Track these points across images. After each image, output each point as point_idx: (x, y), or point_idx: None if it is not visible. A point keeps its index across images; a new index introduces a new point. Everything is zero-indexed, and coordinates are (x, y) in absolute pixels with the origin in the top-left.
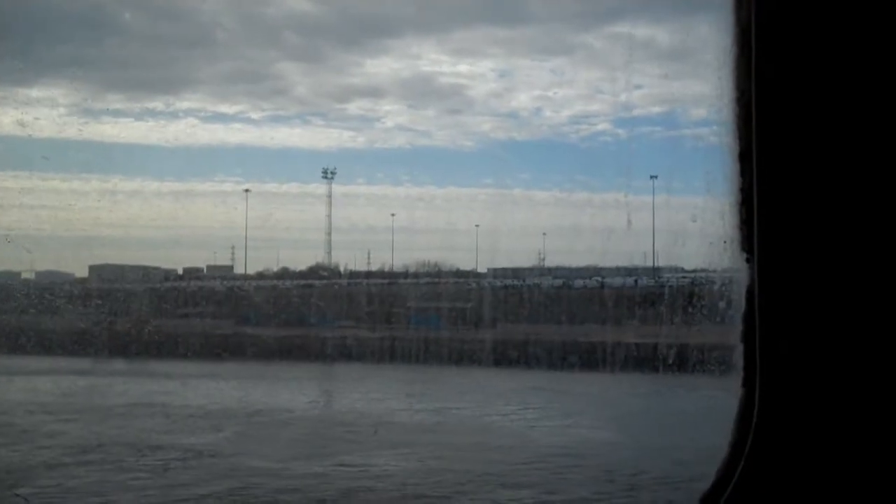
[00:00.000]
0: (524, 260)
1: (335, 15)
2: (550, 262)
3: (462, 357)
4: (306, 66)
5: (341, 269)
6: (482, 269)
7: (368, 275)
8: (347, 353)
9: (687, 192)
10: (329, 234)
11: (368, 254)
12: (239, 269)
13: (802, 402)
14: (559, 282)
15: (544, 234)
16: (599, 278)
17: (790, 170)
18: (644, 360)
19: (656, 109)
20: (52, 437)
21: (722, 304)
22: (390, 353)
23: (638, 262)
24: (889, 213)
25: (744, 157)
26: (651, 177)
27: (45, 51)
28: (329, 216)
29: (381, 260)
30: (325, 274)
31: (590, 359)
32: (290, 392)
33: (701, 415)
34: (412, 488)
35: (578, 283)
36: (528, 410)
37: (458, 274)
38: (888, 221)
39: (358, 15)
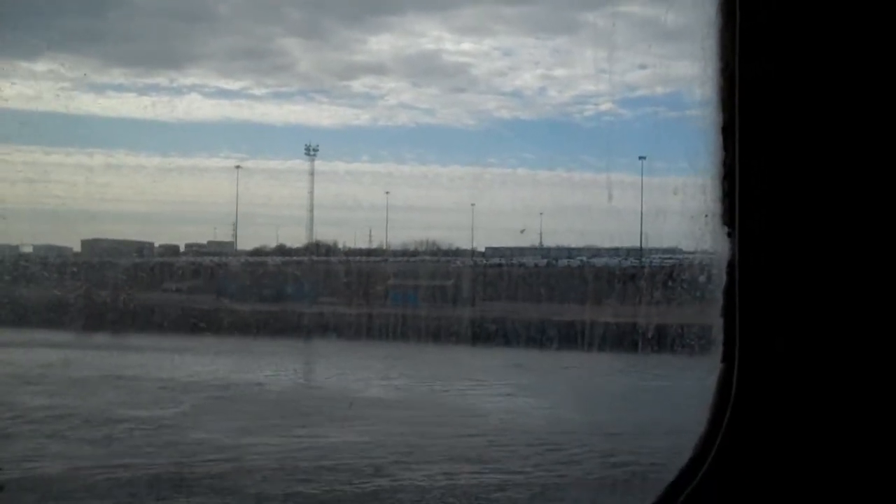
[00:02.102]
0: (524, 239)
1: None
2: (551, 242)
3: (437, 334)
4: (309, 42)
5: (340, 246)
6: (481, 249)
7: (365, 252)
8: (324, 329)
9: (688, 172)
10: (311, 211)
11: (370, 232)
12: (241, 246)
13: (782, 376)
14: (543, 261)
15: (541, 213)
16: (584, 258)
17: (773, 143)
18: (621, 339)
19: (660, 90)
20: (12, 409)
21: (702, 279)
22: (367, 330)
23: (639, 242)
24: (873, 188)
25: (726, 131)
26: (640, 157)
27: (48, 25)
28: (311, 192)
29: (384, 238)
30: (323, 251)
31: (565, 336)
32: (261, 366)
33: (675, 393)
34: (353, 461)
35: (562, 262)
36: (493, 386)
37: (453, 253)
38: (872, 195)
39: None
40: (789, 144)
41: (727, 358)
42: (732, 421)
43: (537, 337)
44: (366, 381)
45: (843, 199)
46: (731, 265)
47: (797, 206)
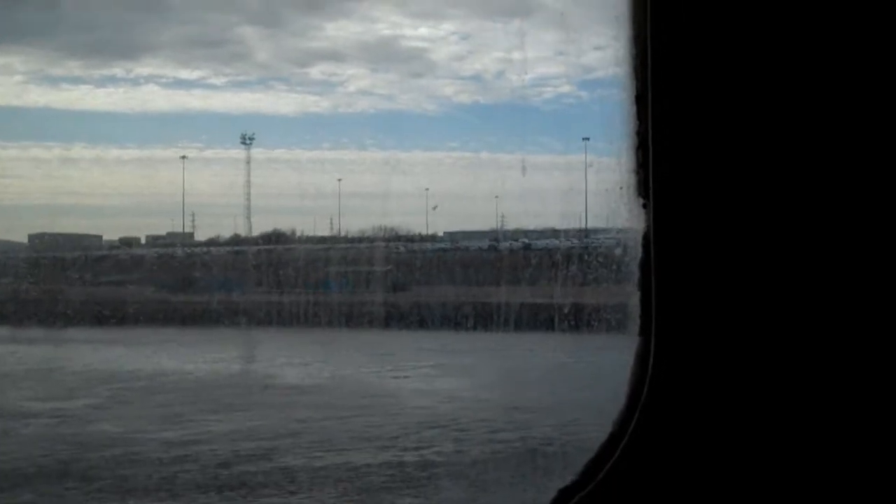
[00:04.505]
0: (485, 223)
1: None
2: (511, 224)
3: (362, 319)
4: (266, 30)
5: (298, 234)
6: (440, 234)
7: (318, 240)
8: (255, 317)
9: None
10: (248, 199)
11: (331, 220)
12: (201, 237)
13: (699, 349)
14: (486, 244)
15: (496, 196)
16: (525, 240)
17: (686, 112)
18: (541, 319)
19: (617, 70)
20: None
21: (618, 252)
22: (298, 317)
23: (597, 223)
24: (786, 156)
25: (640, 100)
26: (583, 139)
27: (0, 17)
28: (248, 182)
29: (348, 225)
30: (279, 239)
31: (488, 319)
32: (186, 356)
33: (592, 369)
34: (242, 445)
35: (504, 245)
36: (409, 368)
37: (408, 238)
38: (785, 163)
39: None
40: (702, 113)
41: (644, 331)
42: (650, 395)
43: (460, 319)
44: (285, 368)
45: (757, 168)
46: (646, 238)
47: (711, 175)
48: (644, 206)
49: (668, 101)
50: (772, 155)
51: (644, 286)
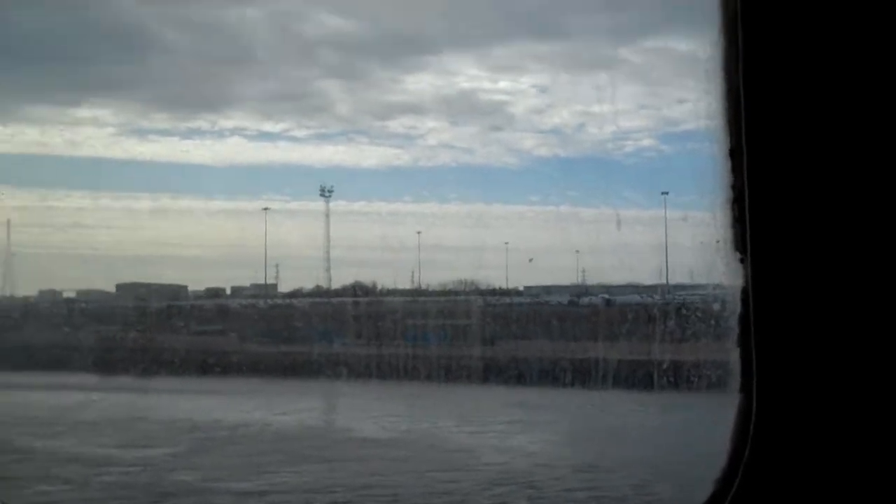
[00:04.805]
0: (566, 277)
1: (372, 32)
2: (593, 279)
3: (455, 373)
4: (347, 83)
5: (379, 287)
6: (520, 287)
7: (400, 293)
8: (338, 370)
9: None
10: (328, 251)
11: (412, 273)
12: (284, 288)
13: (802, 405)
14: (566, 299)
15: (577, 251)
16: (606, 295)
17: (782, 165)
18: (636, 377)
19: (702, 124)
20: (17, 451)
21: (717, 307)
22: (379, 370)
23: (681, 279)
24: (885, 209)
25: (734, 154)
26: (662, 193)
27: (91, 71)
28: (327, 235)
29: (429, 278)
30: (360, 292)
31: (580, 376)
32: (268, 406)
33: (671, 430)
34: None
35: (584, 300)
36: (490, 424)
37: (490, 292)
38: (884, 217)
39: (395, 31)
40: (799, 167)
41: (745, 388)
42: (753, 453)
43: (546, 375)
44: (364, 421)
45: (856, 220)
46: (744, 292)
47: (810, 229)
48: (741, 260)
49: (763, 155)
50: (872, 207)
51: (744, 342)
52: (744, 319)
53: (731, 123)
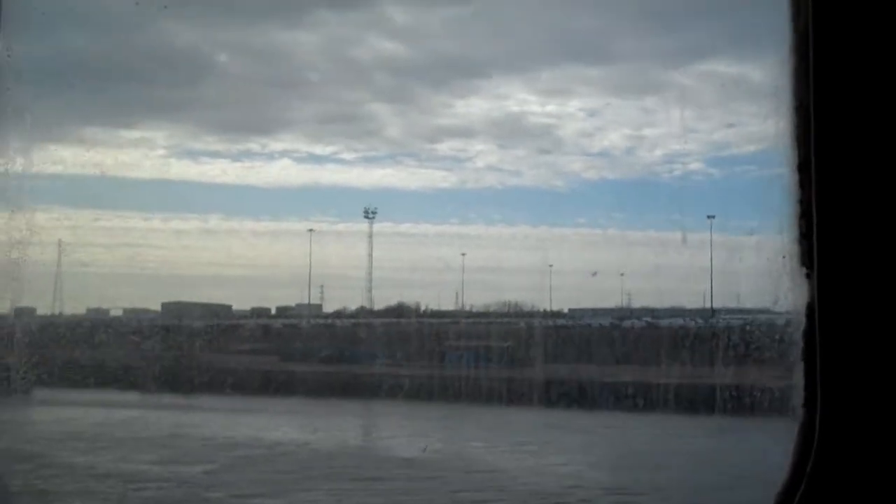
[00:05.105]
0: (611, 300)
1: (423, 56)
2: (637, 302)
3: (489, 395)
4: (397, 107)
5: (423, 308)
6: (565, 310)
7: (442, 314)
8: (378, 390)
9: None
10: (370, 272)
11: (456, 294)
12: (329, 308)
13: (866, 420)
14: (608, 321)
15: (622, 274)
16: (649, 319)
17: (851, 179)
18: (675, 400)
19: (751, 148)
20: (54, 467)
21: (781, 322)
22: (418, 390)
23: (728, 302)
24: None
25: (802, 169)
26: (708, 216)
27: (145, 94)
28: (370, 255)
29: (472, 299)
30: (404, 313)
31: (627, 400)
32: (306, 425)
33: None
34: None
35: (626, 323)
36: (527, 445)
37: (531, 315)
38: None
39: (446, 56)
40: (867, 179)
41: (809, 402)
42: (816, 466)
43: (585, 397)
44: (402, 442)
45: None
46: (810, 307)
47: (877, 242)
48: (808, 275)
49: (832, 170)
50: None
51: (808, 356)
52: (808, 334)
53: (799, 139)
